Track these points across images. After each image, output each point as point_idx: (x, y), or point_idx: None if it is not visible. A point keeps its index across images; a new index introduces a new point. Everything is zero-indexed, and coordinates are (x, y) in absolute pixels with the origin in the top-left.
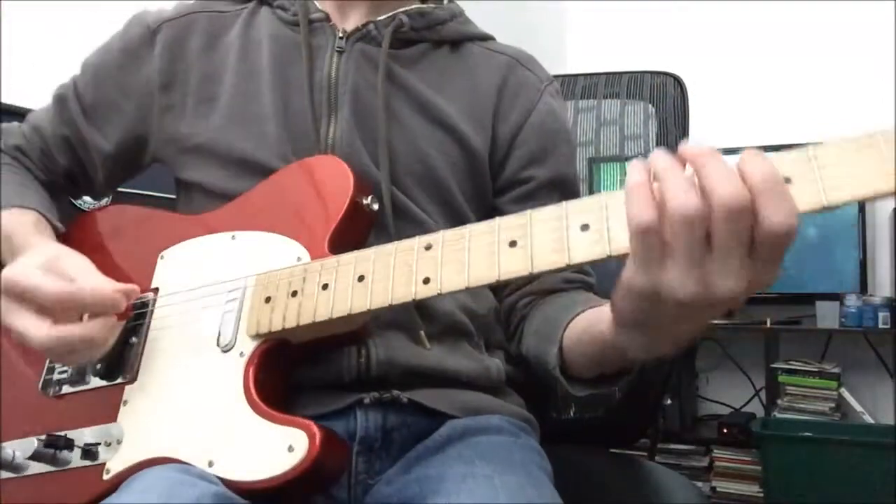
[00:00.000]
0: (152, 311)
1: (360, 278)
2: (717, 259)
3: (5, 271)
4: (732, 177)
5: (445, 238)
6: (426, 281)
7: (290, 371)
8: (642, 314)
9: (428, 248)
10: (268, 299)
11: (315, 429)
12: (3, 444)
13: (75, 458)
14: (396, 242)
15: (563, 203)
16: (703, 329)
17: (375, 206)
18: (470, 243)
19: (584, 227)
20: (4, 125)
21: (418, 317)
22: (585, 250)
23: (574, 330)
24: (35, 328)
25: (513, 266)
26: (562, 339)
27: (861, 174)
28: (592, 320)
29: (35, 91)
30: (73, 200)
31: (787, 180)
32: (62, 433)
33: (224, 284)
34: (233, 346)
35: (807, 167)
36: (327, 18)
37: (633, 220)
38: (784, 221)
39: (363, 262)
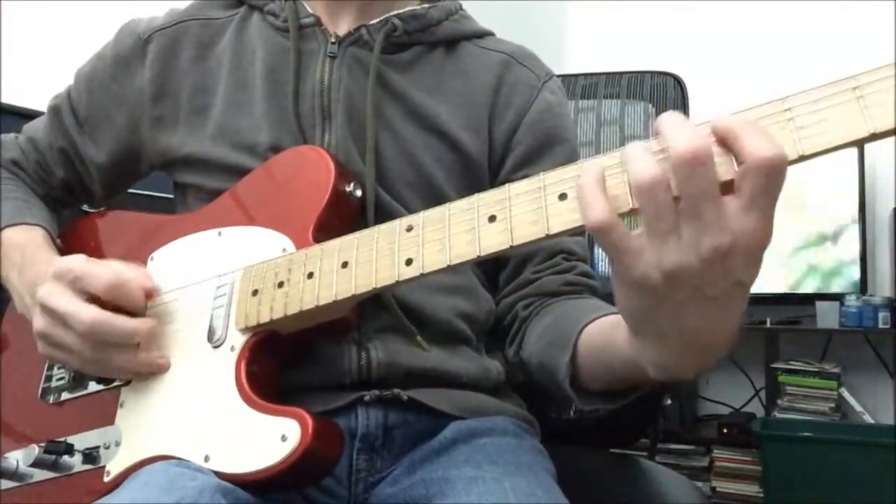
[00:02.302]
0: (145, 311)
1: (344, 264)
2: (689, 218)
3: (58, 260)
4: (687, 127)
5: (426, 218)
6: (409, 262)
7: (282, 362)
8: (642, 310)
9: (409, 229)
10: (255, 292)
11: (307, 417)
12: (6, 454)
13: (77, 463)
14: (378, 226)
15: (541, 174)
16: (721, 337)
17: (359, 193)
18: (450, 221)
19: (562, 197)
20: (3, 136)
21: (414, 324)
22: (563, 219)
23: (589, 338)
24: (85, 308)
25: (493, 241)
26: (575, 347)
27: (836, 121)
28: (608, 330)
29: (35, 91)
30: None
31: None
32: (62, 439)
33: (212, 281)
34: (224, 341)
35: (781, 118)
36: (318, 23)
37: (586, 220)
38: (771, 148)
39: (346, 248)
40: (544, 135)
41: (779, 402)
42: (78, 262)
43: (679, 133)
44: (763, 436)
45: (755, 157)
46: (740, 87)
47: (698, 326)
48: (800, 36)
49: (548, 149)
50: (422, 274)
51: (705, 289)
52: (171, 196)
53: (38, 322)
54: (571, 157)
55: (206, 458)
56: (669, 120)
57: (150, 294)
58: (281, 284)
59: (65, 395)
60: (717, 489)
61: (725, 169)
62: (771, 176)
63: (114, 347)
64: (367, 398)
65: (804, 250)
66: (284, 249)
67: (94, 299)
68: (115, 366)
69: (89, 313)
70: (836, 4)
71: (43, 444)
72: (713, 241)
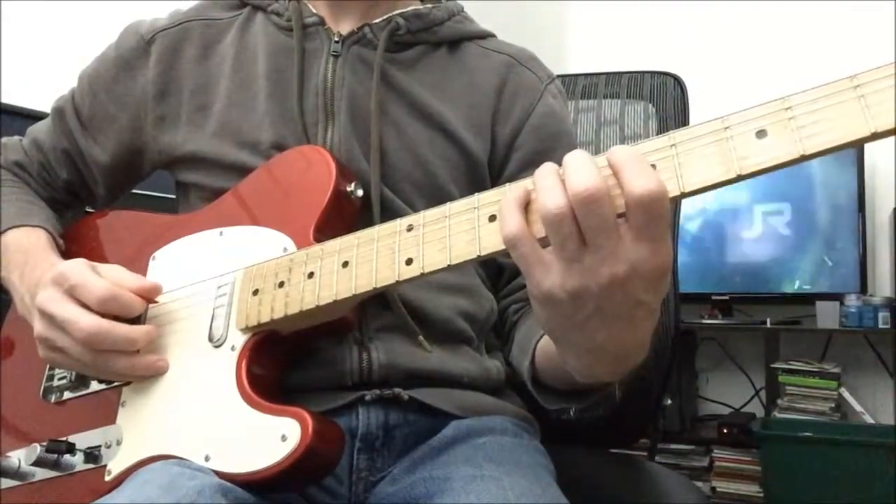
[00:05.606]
0: (146, 312)
1: (345, 264)
2: (590, 248)
3: (58, 265)
4: (585, 167)
5: (426, 218)
6: (409, 262)
7: (283, 362)
8: (553, 323)
9: (409, 229)
10: (256, 292)
11: (307, 416)
12: (8, 453)
13: (78, 462)
14: (379, 226)
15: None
16: (630, 348)
17: (360, 193)
18: (450, 221)
19: None
20: (5, 139)
21: (416, 323)
22: None
23: (544, 344)
24: (83, 316)
25: (493, 241)
26: (534, 351)
27: (838, 120)
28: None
29: (36, 91)
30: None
31: (762, 133)
32: (63, 438)
33: (213, 280)
34: (224, 341)
35: (782, 117)
36: (322, 22)
37: (501, 234)
38: (645, 185)
39: (347, 248)
40: (547, 138)
41: (779, 402)
42: (75, 270)
43: (577, 172)
44: (763, 436)
45: (630, 194)
46: (740, 87)
47: (605, 340)
48: (800, 36)
49: (550, 152)
50: (422, 273)
51: (607, 308)
52: (173, 196)
53: (38, 326)
54: None
55: (207, 458)
56: (572, 159)
57: (150, 298)
58: (281, 284)
59: (66, 395)
60: (717, 489)
61: (622, 202)
62: (650, 210)
63: (113, 353)
64: (367, 398)
65: (804, 250)
66: (285, 249)
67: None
68: (114, 371)
69: (87, 322)
70: (836, 4)
71: (45, 443)
72: (610, 269)
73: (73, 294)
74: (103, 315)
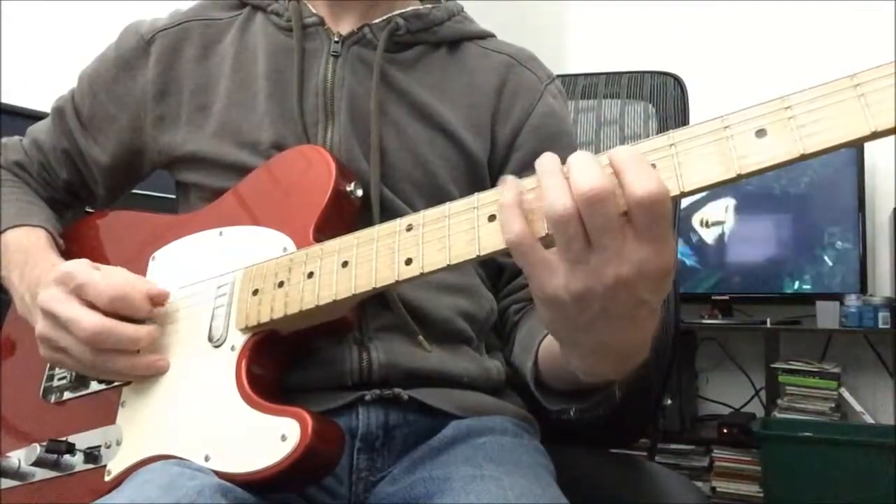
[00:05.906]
0: None
1: (344, 264)
2: (595, 248)
3: (60, 265)
4: (590, 167)
5: (426, 217)
6: (408, 262)
7: (283, 362)
8: (557, 324)
9: (409, 228)
10: (255, 292)
11: (307, 416)
12: (8, 453)
13: (78, 463)
14: (378, 226)
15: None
16: (633, 347)
17: (360, 193)
18: (450, 221)
19: None
20: (5, 139)
21: (416, 323)
22: None
23: (547, 344)
24: (87, 315)
25: (493, 240)
26: (537, 351)
27: (838, 119)
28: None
29: (35, 91)
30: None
31: (762, 132)
32: (63, 438)
33: (213, 280)
34: (224, 341)
35: (781, 116)
36: (322, 22)
37: (504, 237)
38: (646, 186)
39: (347, 248)
40: (547, 138)
41: (779, 402)
42: (81, 270)
43: (582, 172)
44: (763, 436)
45: (632, 195)
46: (740, 87)
47: (609, 340)
48: (800, 36)
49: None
50: (422, 273)
51: (611, 309)
52: (173, 196)
53: (40, 326)
54: None
55: (207, 458)
56: (576, 159)
57: (157, 301)
58: (281, 284)
59: (66, 395)
60: (717, 489)
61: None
62: (652, 210)
63: (114, 353)
64: (367, 398)
65: (804, 250)
66: (285, 249)
67: (95, 305)
68: (115, 370)
69: (91, 321)
70: (836, 4)
71: (44, 444)
72: (616, 269)
73: (79, 293)
74: (108, 315)
